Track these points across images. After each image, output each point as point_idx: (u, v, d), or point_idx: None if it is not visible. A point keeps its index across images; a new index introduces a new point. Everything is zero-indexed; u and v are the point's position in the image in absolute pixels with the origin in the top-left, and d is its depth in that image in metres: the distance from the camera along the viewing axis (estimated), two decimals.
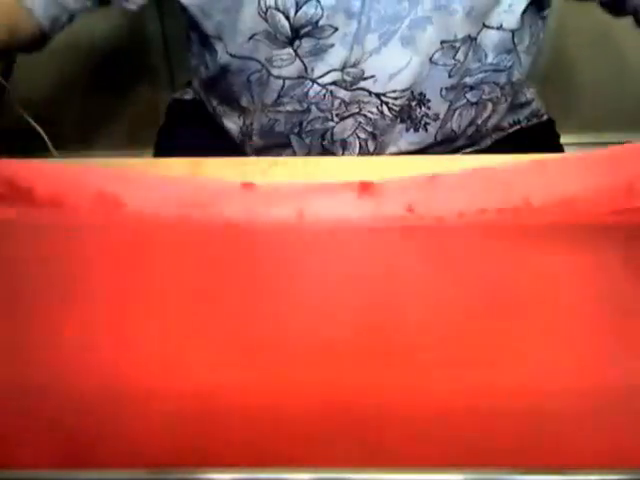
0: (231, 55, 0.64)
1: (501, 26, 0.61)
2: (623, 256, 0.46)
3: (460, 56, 0.61)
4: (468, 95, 0.66)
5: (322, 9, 0.57)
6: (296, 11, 0.57)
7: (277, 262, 0.47)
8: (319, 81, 0.62)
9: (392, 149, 0.69)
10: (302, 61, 0.61)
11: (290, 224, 0.49)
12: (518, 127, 0.75)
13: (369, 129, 0.66)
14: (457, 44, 0.60)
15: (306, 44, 0.60)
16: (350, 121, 0.66)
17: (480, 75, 0.64)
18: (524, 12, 0.61)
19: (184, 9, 0.64)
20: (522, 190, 0.48)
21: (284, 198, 0.49)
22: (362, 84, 0.62)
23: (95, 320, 0.44)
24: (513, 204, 0.48)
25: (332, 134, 0.67)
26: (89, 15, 0.66)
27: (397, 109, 0.64)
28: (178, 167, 0.53)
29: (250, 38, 0.61)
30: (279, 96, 0.64)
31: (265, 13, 0.58)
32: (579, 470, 0.34)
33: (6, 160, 0.49)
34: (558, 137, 0.78)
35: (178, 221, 0.48)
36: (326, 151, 0.69)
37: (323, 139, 0.68)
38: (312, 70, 0.62)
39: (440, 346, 0.43)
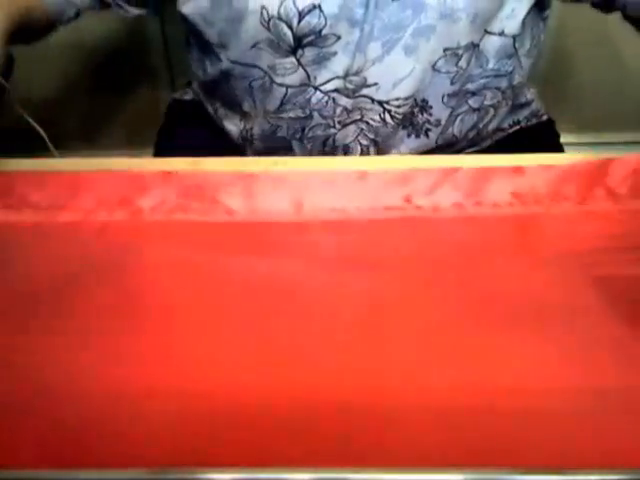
0: (233, 62, 0.64)
1: (503, 32, 0.61)
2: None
3: (463, 63, 0.61)
4: (470, 101, 0.66)
5: (325, 18, 0.57)
6: (299, 21, 0.57)
7: (275, 253, 0.47)
8: (321, 88, 0.62)
9: (393, 154, 0.69)
10: (305, 69, 0.61)
11: (289, 215, 0.49)
12: (518, 127, 0.75)
13: (371, 136, 0.66)
14: (460, 51, 0.60)
15: (309, 53, 0.60)
16: (352, 128, 0.66)
17: (482, 81, 0.64)
18: (526, 16, 0.61)
19: (185, 18, 0.63)
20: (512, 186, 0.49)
21: (283, 189, 0.50)
22: (365, 92, 0.62)
23: (95, 320, 0.44)
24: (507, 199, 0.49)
25: (334, 140, 0.67)
26: (90, 15, 0.66)
27: (400, 117, 0.64)
28: (178, 167, 0.53)
29: (252, 47, 0.61)
30: (282, 103, 0.64)
31: (268, 23, 0.58)
32: (579, 470, 0.34)
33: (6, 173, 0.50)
34: (558, 137, 0.78)
35: (177, 212, 0.48)
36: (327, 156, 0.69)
37: (325, 145, 0.68)
38: (315, 78, 0.62)
39: (440, 344, 0.43)
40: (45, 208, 0.49)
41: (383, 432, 0.40)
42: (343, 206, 0.49)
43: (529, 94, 0.75)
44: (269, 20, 0.58)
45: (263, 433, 0.39)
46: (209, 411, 0.40)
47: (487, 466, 0.35)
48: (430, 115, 0.65)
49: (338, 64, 0.60)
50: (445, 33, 0.59)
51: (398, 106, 0.63)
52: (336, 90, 0.62)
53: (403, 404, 0.41)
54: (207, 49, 0.66)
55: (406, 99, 0.62)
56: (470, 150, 0.73)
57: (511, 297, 0.45)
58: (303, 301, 0.45)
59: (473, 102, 0.66)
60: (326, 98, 0.63)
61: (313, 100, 0.63)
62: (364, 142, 0.67)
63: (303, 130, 0.67)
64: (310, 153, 0.69)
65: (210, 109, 0.75)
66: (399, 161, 0.56)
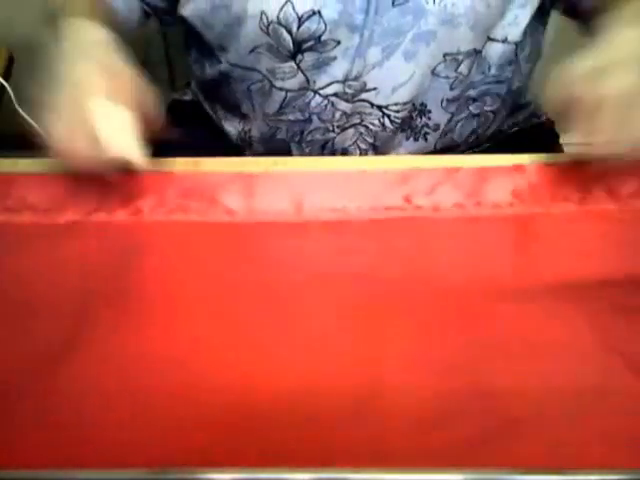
0: (232, 64, 0.63)
1: (506, 39, 0.61)
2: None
3: (463, 69, 0.61)
4: (471, 107, 0.66)
5: (325, 24, 0.56)
6: (298, 26, 0.57)
7: (275, 253, 0.47)
8: (321, 92, 0.62)
9: None
10: (304, 74, 0.61)
11: (289, 215, 0.49)
12: (517, 128, 0.75)
13: (370, 140, 0.66)
14: (460, 57, 0.60)
15: (308, 58, 0.59)
16: (351, 132, 0.66)
17: (483, 87, 0.64)
18: (528, 23, 0.61)
19: (184, 20, 0.63)
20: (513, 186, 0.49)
21: (283, 189, 0.50)
22: (364, 96, 0.62)
23: (94, 320, 0.44)
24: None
25: (333, 144, 0.67)
26: None
27: (399, 121, 0.64)
28: (178, 167, 0.53)
29: (252, 51, 0.60)
30: (281, 107, 0.64)
31: (267, 27, 0.58)
32: (579, 470, 0.34)
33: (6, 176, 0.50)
34: (558, 137, 0.78)
35: (177, 213, 0.49)
36: None
37: (324, 149, 0.68)
38: (314, 82, 0.61)
39: (440, 344, 0.43)
40: (45, 209, 0.49)
41: (383, 432, 0.40)
42: (343, 206, 0.49)
43: (528, 95, 0.75)
44: (268, 25, 0.57)
45: (263, 433, 0.39)
46: (209, 411, 0.40)
47: (487, 466, 0.35)
48: (429, 119, 0.65)
49: (338, 69, 0.60)
50: (445, 39, 0.58)
51: (397, 111, 0.63)
52: (335, 94, 0.62)
53: (403, 404, 0.41)
54: (206, 51, 0.66)
55: (405, 104, 0.62)
56: (470, 152, 0.73)
57: (511, 297, 0.45)
58: (303, 301, 0.45)
59: (474, 108, 0.66)
60: (325, 102, 0.63)
61: (312, 104, 0.63)
62: (363, 146, 0.67)
63: (302, 133, 0.67)
64: (309, 156, 0.69)
65: (209, 110, 0.75)
66: (399, 161, 0.56)
